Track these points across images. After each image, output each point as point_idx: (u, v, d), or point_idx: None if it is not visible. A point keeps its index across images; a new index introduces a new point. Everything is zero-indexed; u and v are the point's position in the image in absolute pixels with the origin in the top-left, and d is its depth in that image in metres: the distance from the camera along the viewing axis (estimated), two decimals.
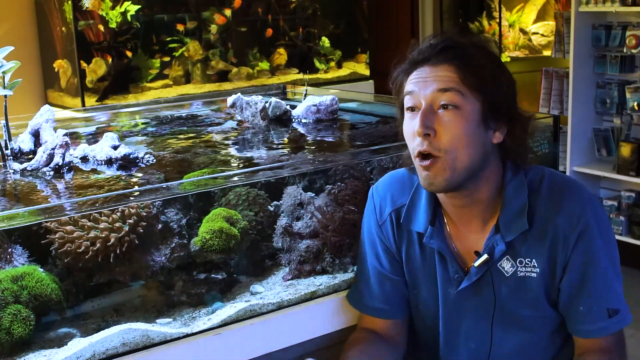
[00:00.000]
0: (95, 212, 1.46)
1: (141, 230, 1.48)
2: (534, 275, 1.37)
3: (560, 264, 1.36)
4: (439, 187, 1.34)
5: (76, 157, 1.82)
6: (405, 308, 1.54)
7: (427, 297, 1.48)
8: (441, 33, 1.41)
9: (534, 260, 1.37)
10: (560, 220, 1.36)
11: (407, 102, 1.37)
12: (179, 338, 1.39)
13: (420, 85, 1.34)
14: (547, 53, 5.12)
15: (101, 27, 4.01)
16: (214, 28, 4.36)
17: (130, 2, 4.06)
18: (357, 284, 1.56)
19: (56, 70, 4.14)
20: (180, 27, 4.30)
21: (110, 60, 4.04)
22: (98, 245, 1.43)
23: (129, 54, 4.11)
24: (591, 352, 1.37)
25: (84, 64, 3.93)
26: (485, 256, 1.38)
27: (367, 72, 5.01)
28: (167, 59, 4.29)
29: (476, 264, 1.39)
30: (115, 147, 1.82)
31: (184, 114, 2.60)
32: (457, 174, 1.32)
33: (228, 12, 4.45)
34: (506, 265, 1.39)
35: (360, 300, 1.55)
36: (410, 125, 1.35)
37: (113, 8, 4.02)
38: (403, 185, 1.51)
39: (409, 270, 1.50)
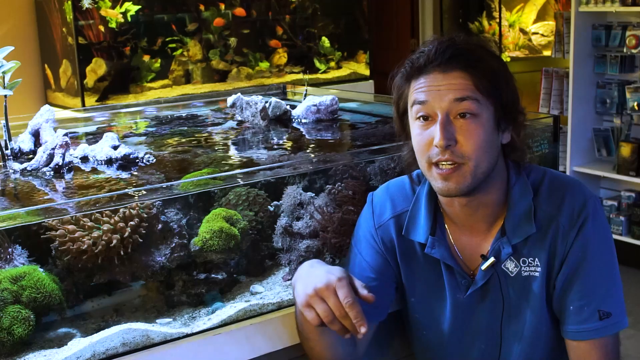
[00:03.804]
0: (96, 212, 1.46)
1: (143, 231, 1.48)
2: (537, 274, 1.37)
3: (558, 260, 1.36)
4: (459, 192, 1.32)
5: (76, 157, 1.82)
6: (380, 315, 1.46)
7: (432, 304, 1.46)
8: (444, 36, 1.36)
9: (536, 259, 1.37)
10: (562, 218, 1.35)
11: (418, 111, 1.32)
12: (179, 338, 1.39)
13: (434, 94, 1.30)
14: (547, 53, 5.13)
15: (101, 27, 4.01)
16: (233, 41, 4.38)
17: (130, 2, 4.06)
18: None
19: (45, 92, 4.17)
20: (174, 27, 4.30)
21: (112, 58, 4.05)
22: (100, 247, 1.43)
23: (142, 56, 4.11)
24: (581, 358, 1.35)
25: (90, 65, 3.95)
26: (492, 259, 1.37)
27: (367, 72, 5.01)
28: (179, 58, 4.29)
29: (483, 267, 1.38)
30: (115, 147, 1.82)
31: (184, 114, 2.60)
32: (477, 179, 1.31)
33: (223, 6, 4.45)
34: (510, 266, 1.38)
35: None
36: (424, 135, 1.31)
37: (113, 8, 4.02)
38: (404, 194, 1.48)
39: (408, 278, 1.47)
